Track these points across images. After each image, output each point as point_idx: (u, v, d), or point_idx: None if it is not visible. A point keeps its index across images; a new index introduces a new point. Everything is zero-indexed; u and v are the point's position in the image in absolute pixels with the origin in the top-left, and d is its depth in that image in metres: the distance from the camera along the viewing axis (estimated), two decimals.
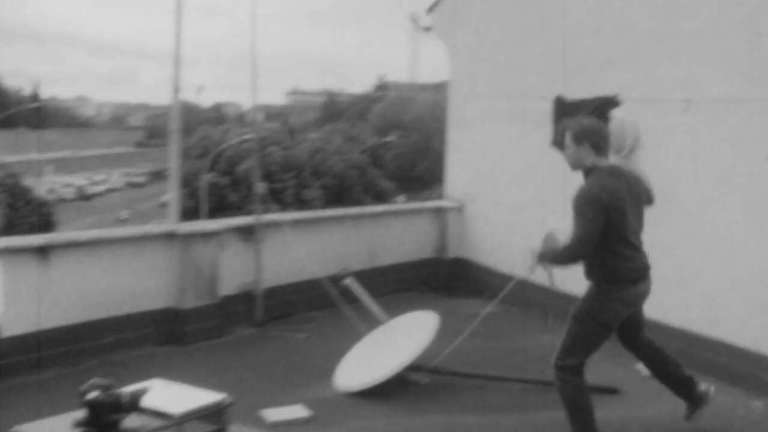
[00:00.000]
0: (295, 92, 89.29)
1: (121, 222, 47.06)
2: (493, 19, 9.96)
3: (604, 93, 6.52)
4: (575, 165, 5.16)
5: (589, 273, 5.15)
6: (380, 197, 43.12)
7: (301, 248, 8.38)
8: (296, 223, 8.79)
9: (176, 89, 8.29)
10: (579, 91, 6.98)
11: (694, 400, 5.56)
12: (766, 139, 6.31)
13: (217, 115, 69.28)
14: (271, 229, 8.43)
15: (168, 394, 3.58)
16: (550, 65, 8.87)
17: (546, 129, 8.24)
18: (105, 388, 3.03)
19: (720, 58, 6.84)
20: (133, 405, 3.03)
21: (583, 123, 5.23)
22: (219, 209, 36.40)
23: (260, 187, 8.32)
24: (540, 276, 5.44)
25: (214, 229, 7.92)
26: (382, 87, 79.00)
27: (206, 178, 36.22)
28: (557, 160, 7.75)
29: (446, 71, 10.84)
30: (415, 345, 6.39)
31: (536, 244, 5.24)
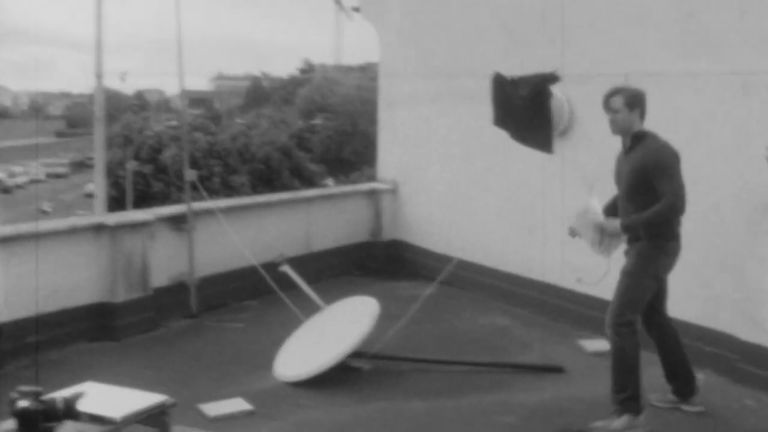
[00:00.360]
0: (219, 77, 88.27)
1: (44, 214, 45.88)
2: None
3: (539, 70, 6.46)
4: (624, 130, 5.35)
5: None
6: (308, 181, 42.91)
7: (233, 236, 8.17)
8: (228, 210, 8.56)
9: (99, 76, 8.01)
10: (514, 68, 6.91)
11: (683, 395, 5.59)
12: (701, 112, 6.32)
13: (139, 103, 68.09)
14: (203, 217, 8.21)
15: (105, 398, 3.38)
16: (482, 43, 8.81)
17: (481, 107, 8.16)
18: (36, 395, 2.83)
19: (655, 33, 6.84)
20: (68, 411, 2.84)
21: (636, 90, 5.37)
22: (144, 198, 35.83)
23: (190, 174, 8.08)
24: (604, 249, 5.39)
25: (144, 219, 7.67)
26: (308, 70, 78.56)
27: (131, 167, 35.59)
28: (493, 138, 7.73)
29: (372, 52, 10.74)
30: (356, 331, 6.27)
31: (593, 219, 5.35)
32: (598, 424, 5.26)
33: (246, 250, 8.06)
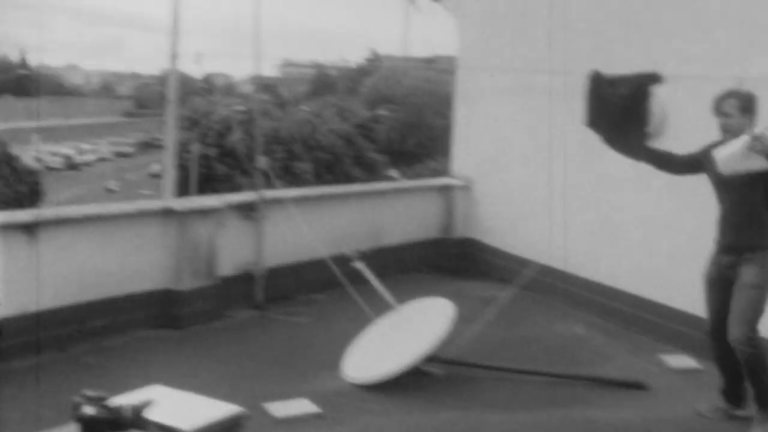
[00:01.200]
0: (287, 64, 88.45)
1: (109, 192, 46.48)
2: None
3: (629, 68, 6.07)
4: (735, 134, 5.07)
5: (755, 234, 5.10)
6: (371, 171, 42.77)
7: (303, 226, 7.94)
8: (299, 199, 8.32)
9: (173, 56, 7.79)
10: (601, 68, 6.54)
11: (736, 401, 5.41)
12: None
13: (207, 86, 68.59)
14: (272, 205, 7.99)
15: (175, 405, 3.12)
16: (568, 40, 8.42)
17: (565, 105, 7.81)
18: (99, 400, 2.61)
19: (763, 36, 6.44)
20: (135, 420, 2.61)
21: (749, 93, 5.17)
22: (207, 181, 36.00)
23: (262, 161, 7.86)
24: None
25: (213, 205, 7.47)
26: (374, 60, 78.41)
27: (196, 150, 35.75)
28: (577, 138, 7.34)
29: (440, 45, 10.47)
30: (431, 335, 5.96)
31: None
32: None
33: (316, 242, 7.82)
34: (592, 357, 6.95)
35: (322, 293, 8.17)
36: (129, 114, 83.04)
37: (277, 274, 8.00)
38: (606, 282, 7.94)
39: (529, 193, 9.01)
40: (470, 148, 10.09)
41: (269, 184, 8.14)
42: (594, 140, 6.61)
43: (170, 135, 8.14)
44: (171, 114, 8.02)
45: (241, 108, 35.52)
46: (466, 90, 10.25)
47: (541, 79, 8.68)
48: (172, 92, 7.82)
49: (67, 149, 61.25)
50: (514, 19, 9.39)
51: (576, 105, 6.62)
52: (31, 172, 36.62)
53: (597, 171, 7.92)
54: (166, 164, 8.45)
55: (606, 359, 6.90)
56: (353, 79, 69.62)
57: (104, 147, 67.48)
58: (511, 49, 9.36)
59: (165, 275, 7.20)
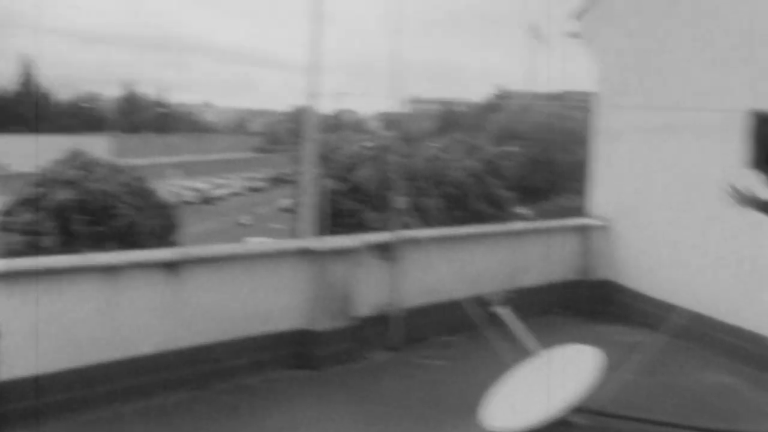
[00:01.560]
0: (413, 100, 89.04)
1: (241, 226, 47.55)
2: (650, 22, 9.20)
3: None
4: None
5: None
6: (499, 207, 42.38)
7: (439, 267, 7.82)
8: (435, 240, 8.20)
9: (312, 95, 7.84)
10: (760, 104, 6.21)
11: None
12: None
13: (336, 122, 69.76)
14: (409, 246, 7.89)
15: None
16: (717, 76, 8.08)
17: (711, 144, 7.50)
18: None
19: None
20: None
21: None
22: (335, 216, 36.30)
23: (401, 202, 7.78)
24: None
25: (351, 246, 7.41)
26: (501, 96, 78.10)
27: (328, 186, 36.13)
28: (725, 178, 6.99)
29: (570, 81, 10.14)
30: (579, 384, 5.70)
31: None
32: None
33: (452, 283, 7.68)
34: (745, 411, 6.56)
35: (457, 335, 8.00)
36: (260, 150, 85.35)
37: (412, 315, 7.88)
38: (758, 330, 7.51)
39: (674, 234, 8.64)
40: (609, 187, 9.78)
41: (405, 224, 8.06)
42: (746, 182, 6.30)
43: (308, 173, 8.18)
44: (309, 152, 8.06)
45: (369, 144, 35.86)
46: (606, 127, 9.95)
47: (686, 117, 8.35)
48: (309, 130, 7.86)
49: (201, 184, 63.22)
50: (656, 54, 9.09)
51: (727, 144, 6.33)
52: (168, 206, 37.77)
53: (750, 214, 7.51)
54: (303, 203, 8.48)
55: (760, 414, 6.50)
56: (480, 115, 69.54)
57: (237, 182, 69.38)
58: (654, 85, 9.05)
59: (302, 315, 7.18)
